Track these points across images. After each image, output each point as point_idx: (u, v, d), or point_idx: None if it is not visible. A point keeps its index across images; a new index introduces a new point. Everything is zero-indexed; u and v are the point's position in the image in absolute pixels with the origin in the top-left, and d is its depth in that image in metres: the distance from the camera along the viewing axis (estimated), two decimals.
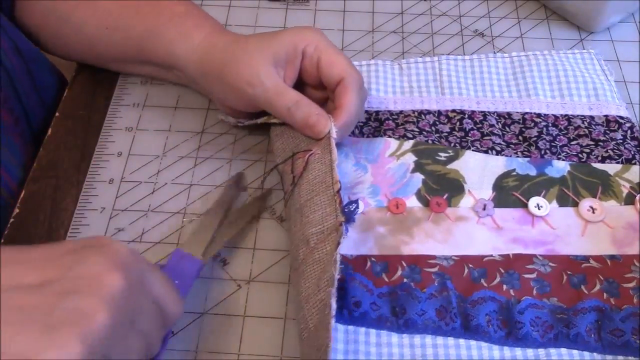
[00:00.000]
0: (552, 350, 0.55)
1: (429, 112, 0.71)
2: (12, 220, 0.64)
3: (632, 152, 0.67)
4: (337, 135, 0.61)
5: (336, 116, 0.62)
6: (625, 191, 0.65)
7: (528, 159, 0.67)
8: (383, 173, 0.66)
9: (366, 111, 0.71)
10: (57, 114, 0.72)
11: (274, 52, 0.63)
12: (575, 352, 0.55)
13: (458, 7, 0.85)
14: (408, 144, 0.68)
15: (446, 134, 0.69)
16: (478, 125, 0.70)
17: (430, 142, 0.68)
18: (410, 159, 0.67)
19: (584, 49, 0.78)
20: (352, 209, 0.57)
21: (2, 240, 0.62)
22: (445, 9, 0.84)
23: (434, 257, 0.60)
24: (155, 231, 0.64)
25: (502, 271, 0.60)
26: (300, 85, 0.66)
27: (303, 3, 0.85)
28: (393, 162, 0.67)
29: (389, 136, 0.69)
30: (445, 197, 0.65)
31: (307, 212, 0.57)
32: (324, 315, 0.51)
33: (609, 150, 0.67)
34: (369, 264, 0.60)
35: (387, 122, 0.70)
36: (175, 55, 0.67)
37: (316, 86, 0.66)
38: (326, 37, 0.65)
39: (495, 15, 0.84)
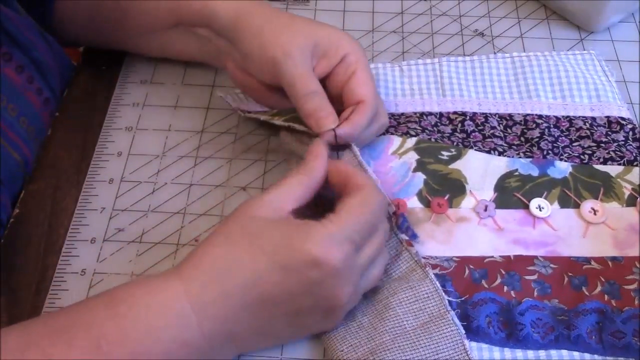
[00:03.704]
0: (553, 352, 0.55)
1: (430, 113, 0.71)
2: (12, 220, 0.64)
3: (634, 154, 0.67)
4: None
5: (342, 125, 0.60)
6: (627, 193, 0.65)
7: (530, 159, 0.67)
8: (385, 172, 0.66)
9: None
10: (57, 113, 0.72)
11: (316, 41, 0.62)
12: (576, 353, 0.55)
13: (458, 7, 0.85)
14: (411, 142, 0.68)
15: (448, 134, 0.69)
16: (480, 127, 0.70)
17: (433, 140, 0.68)
18: (412, 157, 0.67)
19: (584, 49, 0.78)
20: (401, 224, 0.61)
21: (2, 241, 0.62)
22: (445, 8, 0.84)
23: (434, 258, 0.60)
24: (155, 231, 0.64)
25: (503, 272, 0.60)
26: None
27: (303, 3, 0.85)
28: (395, 160, 0.67)
29: (392, 133, 0.69)
30: (446, 197, 0.65)
31: None
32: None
33: (611, 152, 0.67)
34: None
35: (389, 120, 0.70)
36: (211, 7, 0.66)
37: (334, 96, 0.64)
38: (366, 57, 0.65)
39: (495, 15, 0.83)
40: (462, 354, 0.54)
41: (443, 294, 0.56)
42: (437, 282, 0.57)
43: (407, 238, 0.60)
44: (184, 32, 0.70)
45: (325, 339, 0.56)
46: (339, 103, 0.63)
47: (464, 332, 0.55)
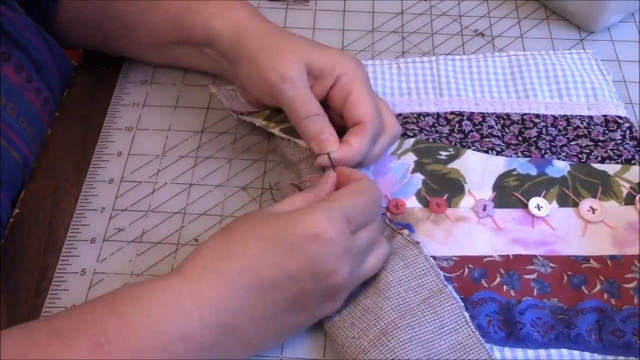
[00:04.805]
0: (553, 351, 0.55)
1: (427, 114, 0.71)
2: (12, 220, 0.64)
3: (632, 153, 0.67)
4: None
5: (341, 149, 0.60)
6: (625, 191, 0.65)
7: (528, 158, 0.67)
8: (384, 172, 0.66)
9: None
10: (57, 113, 0.72)
11: (312, 61, 0.62)
12: (576, 352, 0.55)
13: (458, 7, 0.85)
14: (409, 142, 0.68)
15: (446, 135, 0.69)
16: (477, 127, 0.70)
17: (431, 140, 0.68)
18: (410, 158, 0.67)
19: (584, 49, 0.78)
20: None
21: (2, 241, 0.62)
22: (445, 9, 0.84)
23: (434, 257, 0.60)
24: (155, 231, 0.64)
25: (502, 272, 0.60)
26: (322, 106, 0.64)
27: (303, 3, 0.85)
28: (394, 161, 0.67)
29: None
30: (445, 197, 0.65)
31: None
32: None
33: (609, 151, 0.67)
34: None
35: None
36: (212, 29, 0.66)
37: (337, 114, 0.64)
38: (365, 74, 0.64)
39: (495, 15, 0.84)
40: (464, 325, 0.55)
41: (438, 270, 0.57)
42: (432, 259, 0.57)
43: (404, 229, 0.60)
44: (191, 49, 0.71)
45: (332, 328, 0.55)
46: (343, 121, 0.63)
47: (462, 304, 0.56)
